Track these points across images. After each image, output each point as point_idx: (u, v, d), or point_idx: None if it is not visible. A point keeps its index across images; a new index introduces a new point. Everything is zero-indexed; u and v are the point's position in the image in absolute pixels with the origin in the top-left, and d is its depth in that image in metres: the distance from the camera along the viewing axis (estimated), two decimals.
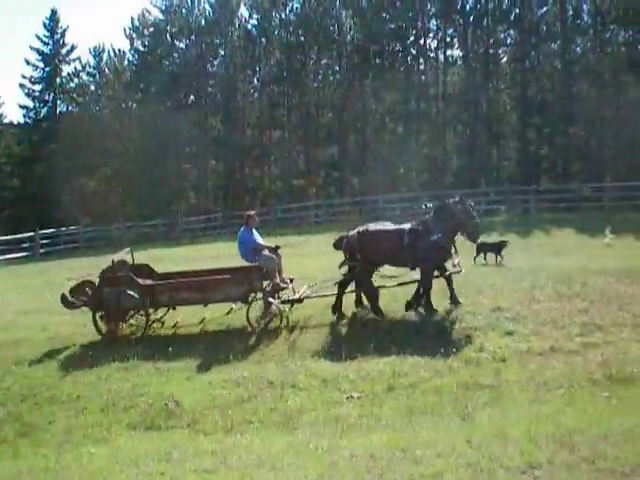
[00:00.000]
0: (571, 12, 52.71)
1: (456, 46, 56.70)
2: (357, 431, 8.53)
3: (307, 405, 9.96)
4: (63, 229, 48.04)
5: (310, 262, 21.68)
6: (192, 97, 63.44)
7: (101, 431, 9.76)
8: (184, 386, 11.33)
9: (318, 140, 59.00)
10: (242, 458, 7.37)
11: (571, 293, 14.90)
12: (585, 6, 53.31)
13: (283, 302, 14.90)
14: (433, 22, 57.32)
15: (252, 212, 16.25)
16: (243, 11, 62.14)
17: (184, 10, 61.63)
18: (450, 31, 56.26)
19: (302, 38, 58.21)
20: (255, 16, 60.60)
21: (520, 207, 41.12)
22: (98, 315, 14.66)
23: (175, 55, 62.60)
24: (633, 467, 5.91)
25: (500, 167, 55.25)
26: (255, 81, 63.20)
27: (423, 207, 13.87)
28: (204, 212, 54.70)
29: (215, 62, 63.03)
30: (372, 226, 15.17)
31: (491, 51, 54.91)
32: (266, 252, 15.22)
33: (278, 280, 15.02)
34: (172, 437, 9.13)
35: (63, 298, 14.98)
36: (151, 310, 15.02)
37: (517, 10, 53.41)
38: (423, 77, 56.76)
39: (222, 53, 62.18)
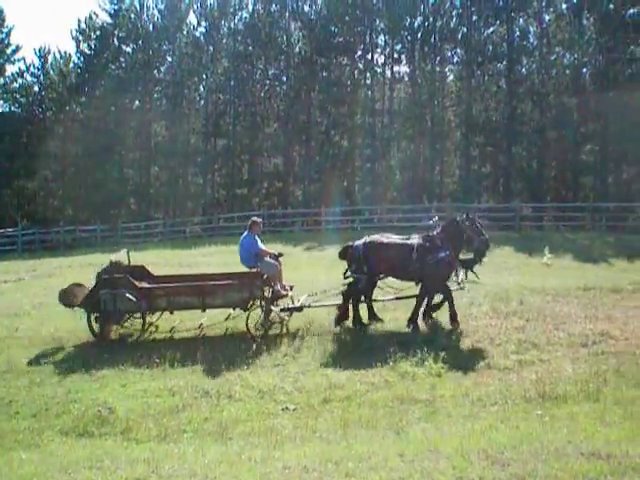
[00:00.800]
0: (518, 33, 53.38)
1: (403, 62, 57.04)
2: (291, 443, 8.49)
3: (242, 416, 9.90)
4: (1, 231, 47.35)
5: None
6: (137, 102, 62.85)
7: (33, 436, 9.59)
8: (119, 393, 11.20)
9: (263, 150, 58.89)
10: (174, 467, 7.27)
11: (508, 311, 15.17)
12: (531, 28, 54.03)
13: (282, 310, 14.76)
14: (381, 38, 57.53)
15: (257, 218, 16.03)
16: (192, 18, 62.01)
17: (132, 15, 61.13)
18: (398, 47, 56.51)
19: (250, 48, 58.05)
20: (204, 24, 60.32)
21: None
22: (93, 317, 14.46)
23: (122, 59, 61.90)
24: None
25: (443, 184, 55.57)
26: (201, 89, 62.86)
27: (430, 222, 14.03)
28: (145, 219, 54.17)
29: (162, 68, 62.58)
30: (377, 238, 15.10)
31: (438, 69, 55.26)
32: (268, 259, 15.15)
33: (278, 287, 14.99)
34: (104, 444, 8.99)
35: (62, 296, 14.77)
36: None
37: (464, 29, 53.91)
38: (370, 92, 56.92)
39: (169, 59, 61.85)
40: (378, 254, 14.67)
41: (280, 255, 15.75)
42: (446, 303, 14.68)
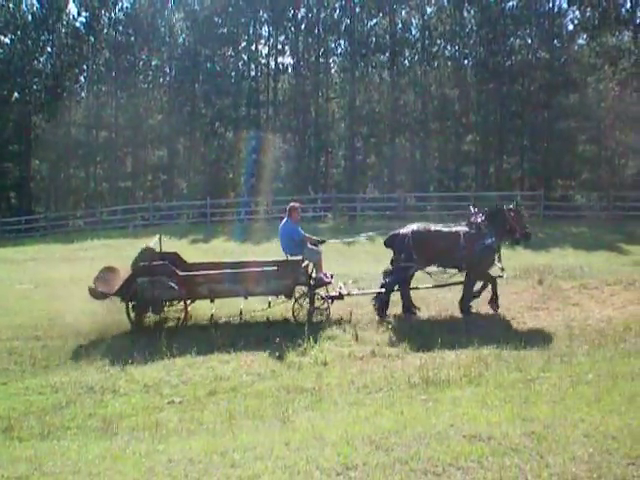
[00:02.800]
0: (400, 25, 54.02)
1: (287, 53, 56.97)
2: (177, 436, 8.35)
3: (127, 410, 9.71)
4: None
5: None
6: (16, 94, 61.08)
7: None
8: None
9: (146, 142, 58.06)
10: (58, 464, 7.04)
11: (393, 299, 15.18)
12: (414, 20, 54.76)
13: (323, 298, 14.55)
14: (265, 29, 57.43)
15: (295, 204, 15.58)
16: (72, 8, 60.66)
17: (11, 5, 59.36)
18: (282, 38, 56.48)
19: (132, 38, 57.15)
20: (84, 14, 58.92)
21: (347, 214, 41.73)
22: (130, 305, 14.10)
23: (0, 50, 60.15)
24: (445, 467, 6.01)
25: (328, 174, 55.87)
26: (82, 80, 61.51)
27: (471, 209, 14.25)
28: (26, 213, 52.83)
29: (41, 59, 60.94)
30: (424, 226, 15.25)
31: (322, 60, 55.47)
32: (310, 245, 14.96)
33: (322, 275, 14.79)
34: None
35: (92, 290, 14.08)
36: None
37: (348, 21, 54.18)
38: (254, 83, 56.69)
39: (49, 50, 60.29)
40: (427, 242, 14.84)
41: (322, 242, 15.63)
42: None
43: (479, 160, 52.82)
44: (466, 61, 54.42)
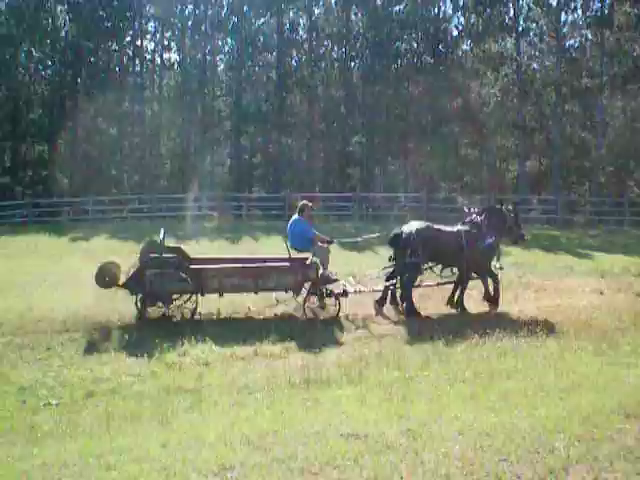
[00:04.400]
0: (288, 26, 54.04)
1: (173, 50, 56.49)
2: (53, 439, 8.10)
3: (1, 413, 9.36)
4: None
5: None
6: None
7: None
8: None
9: (26, 136, 56.49)
10: None
11: (273, 300, 15.31)
12: (301, 20, 54.89)
13: (328, 295, 14.64)
14: (151, 24, 56.68)
15: (307, 201, 15.83)
16: None
17: None
18: (168, 34, 55.90)
19: (13, 30, 55.52)
20: None
21: (232, 214, 41.57)
22: (139, 297, 13.93)
23: None
24: (322, 465, 6.05)
25: (214, 173, 55.53)
26: None
27: (466, 210, 14.78)
28: None
29: None
30: (426, 225, 15.52)
31: (208, 57, 55.08)
32: (320, 243, 15.09)
33: (328, 272, 14.91)
34: None
35: (98, 277, 13.92)
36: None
37: (235, 19, 53.92)
38: (139, 79, 55.89)
39: None
40: (431, 240, 15.11)
41: (331, 242, 15.62)
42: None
43: (364, 161, 53.29)
44: (353, 63, 54.84)
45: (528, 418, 7.27)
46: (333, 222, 36.58)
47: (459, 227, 15.66)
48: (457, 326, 13.15)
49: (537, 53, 51.32)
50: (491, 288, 15.69)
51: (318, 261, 14.70)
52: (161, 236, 14.48)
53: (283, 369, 10.65)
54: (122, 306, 14.36)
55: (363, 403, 8.42)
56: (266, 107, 53.69)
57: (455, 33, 54.81)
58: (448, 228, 15.68)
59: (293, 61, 56.03)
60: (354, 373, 10.16)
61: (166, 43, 56.17)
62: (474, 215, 15.92)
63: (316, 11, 54.85)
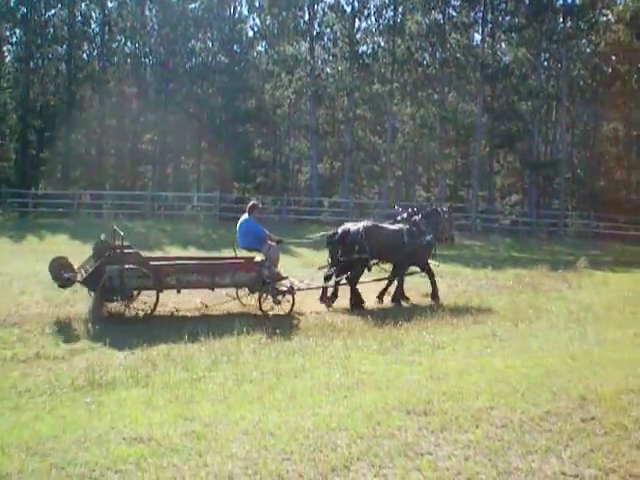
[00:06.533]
0: (80, 18, 52.51)
1: None
2: None
3: None
4: None
5: None
6: None
7: None
8: None
9: None
10: None
11: (61, 300, 15.11)
12: (94, 14, 53.52)
13: (286, 291, 15.22)
14: None
15: (255, 201, 16.89)
16: None
17: None
18: None
19: None
20: None
21: (17, 210, 40.17)
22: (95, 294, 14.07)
23: None
24: (102, 471, 5.86)
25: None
26: None
27: (396, 208, 16.65)
28: None
29: None
30: (372, 223, 16.94)
31: None
32: (271, 242, 15.56)
33: (278, 270, 15.45)
34: None
35: (55, 274, 13.97)
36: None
37: (24, 9, 51.73)
38: None
39: None
40: (377, 237, 16.35)
41: (280, 241, 16.20)
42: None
43: (157, 160, 52.71)
44: (146, 60, 54.10)
45: (312, 417, 7.31)
46: (123, 221, 35.86)
47: (401, 225, 17.09)
48: (247, 326, 13.05)
49: (331, 58, 52.31)
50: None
51: (271, 259, 15.26)
52: (121, 233, 14.34)
53: (67, 372, 10.23)
54: None
55: (149, 405, 8.23)
56: (55, 101, 51.99)
57: (251, 34, 55.16)
58: (392, 226, 17.12)
59: (84, 55, 54.57)
60: (141, 374, 9.89)
61: None
62: (416, 216, 17.39)
63: (109, 4, 53.74)
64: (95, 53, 53.85)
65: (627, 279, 23.37)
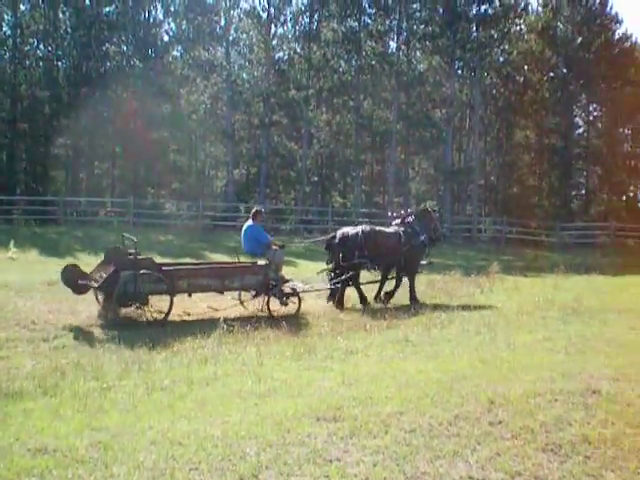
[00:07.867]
0: None
1: None
2: None
3: None
4: None
5: None
6: None
7: None
8: None
9: None
10: None
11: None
12: (6, 16, 52.43)
13: (292, 294, 15.97)
14: None
15: (260, 207, 17.63)
16: None
17: None
18: None
19: None
20: None
21: None
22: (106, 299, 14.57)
23: None
24: None
25: None
26: None
27: (389, 214, 20.24)
28: None
29: None
30: (370, 226, 17.80)
31: None
32: (275, 247, 16.14)
33: (283, 274, 16.24)
34: None
35: (69, 282, 14.38)
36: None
37: None
38: None
39: None
40: (377, 240, 17.14)
41: (283, 246, 16.75)
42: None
43: (70, 164, 51.93)
44: (59, 63, 53.15)
45: (222, 425, 7.22)
46: (35, 227, 35.19)
47: (396, 228, 17.91)
48: (157, 334, 12.90)
49: (247, 63, 52.30)
50: (391, 287, 18.02)
51: (276, 263, 15.89)
52: (134, 239, 14.86)
53: None
54: None
55: (56, 416, 8.03)
56: None
57: (166, 39, 54.71)
58: (389, 229, 18.03)
59: None
60: (49, 384, 9.66)
61: None
62: (409, 217, 18.27)
63: (22, 7, 52.59)
64: (6, 56, 52.68)
65: (538, 284, 23.70)
